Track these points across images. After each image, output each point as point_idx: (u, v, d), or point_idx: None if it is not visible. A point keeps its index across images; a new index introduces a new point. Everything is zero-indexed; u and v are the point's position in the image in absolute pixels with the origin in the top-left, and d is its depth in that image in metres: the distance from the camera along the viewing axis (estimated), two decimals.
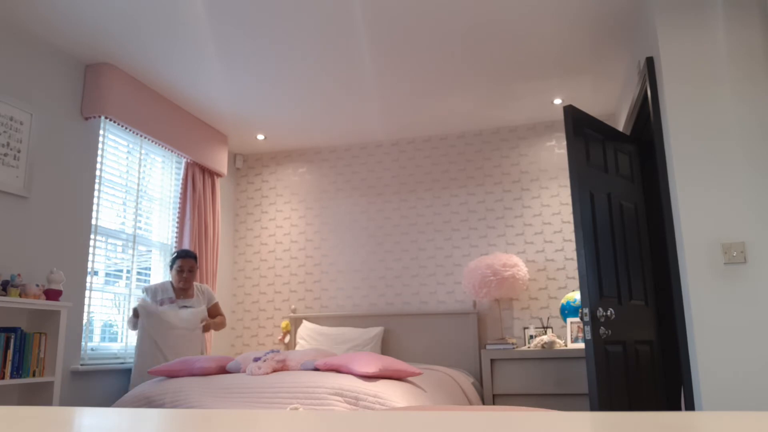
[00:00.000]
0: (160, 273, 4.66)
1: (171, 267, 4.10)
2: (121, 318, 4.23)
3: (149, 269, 4.58)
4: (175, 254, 4.12)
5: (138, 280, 4.40)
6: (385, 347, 4.95)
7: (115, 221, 4.22)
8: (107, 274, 4.18)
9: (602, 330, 3.21)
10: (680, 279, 2.92)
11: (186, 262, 4.06)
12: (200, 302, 4.15)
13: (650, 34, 3.23)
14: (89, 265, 3.88)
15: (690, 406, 2.83)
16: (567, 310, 4.38)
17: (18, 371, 3.11)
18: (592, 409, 3.18)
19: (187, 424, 0.60)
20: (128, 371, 4.14)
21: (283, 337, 5.12)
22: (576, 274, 4.72)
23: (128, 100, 4.06)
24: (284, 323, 5.12)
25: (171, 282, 4.09)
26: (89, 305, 3.88)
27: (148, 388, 3.18)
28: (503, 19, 3.49)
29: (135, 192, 4.42)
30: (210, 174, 5.01)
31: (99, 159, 4.06)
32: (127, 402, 3.17)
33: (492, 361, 4.27)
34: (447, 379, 3.74)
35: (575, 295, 4.38)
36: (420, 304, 5.04)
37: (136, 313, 3.92)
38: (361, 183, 5.41)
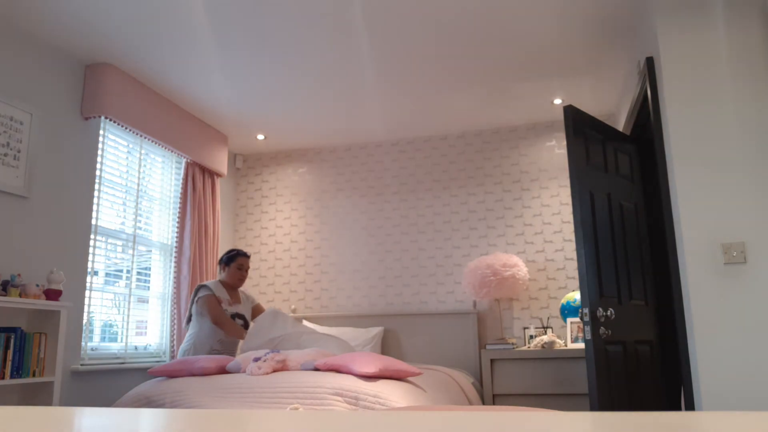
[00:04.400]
0: (160, 273, 4.66)
1: (227, 264, 4.01)
2: (121, 318, 4.23)
3: (149, 269, 4.57)
4: (234, 252, 4.05)
5: (138, 280, 4.40)
6: (385, 347, 4.95)
7: (115, 221, 4.22)
8: (107, 274, 4.18)
9: (602, 330, 3.21)
10: (680, 279, 2.92)
11: (247, 260, 4.06)
12: (247, 307, 4.13)
13: (650, 34, 3.22)
14: (89, 265, 3.88)
15: (690, 406, 2.83)
16: (567, 310, 4.38)
17: (18, 371, 3.11)
18: (592, 409, 3.18)
19: (187, 424, 0.60)
20: (128, 371, 4.14)
21: None
22: (576, 274, 4.72)
23: (128, 100, 4.06)
24: None
25: (220, 282, 4.00)
26: (89, 305, 3.88)
27: (148, 388, 3.17)
28: (503, 19, 3.49)
29: (135, 192, 4.41)
30: (210, 174, 5.01)
31: (99, 159, 4.06)
32: (127, 402, 3.17)
33: (492, 361, 4.27)
34: (447, 379, 3.74)
35: (575, 295, 4.38)
36: (420, 304, 5.04)
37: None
38: (361, 183, 5.41)
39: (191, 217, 4.70)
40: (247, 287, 5.49)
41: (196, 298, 3.91)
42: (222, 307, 3.87)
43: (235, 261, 4.03)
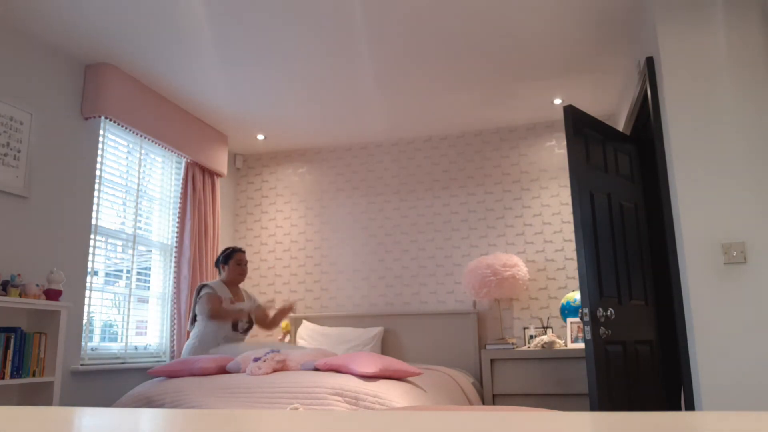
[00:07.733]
0: (160, 273, 4.66)
1: (225, 263, 4.03)
2: (121, 318, 4.23)
3: (149, 269, 4.57)
4: (230, 249, 4.07)
5: (138, 280, 4.40)
6: (385, 347, 4.95)
7: (115, 221, 4.22)
8: (107, 274, 4.18)
9: (602, 330, 3.21)
10: (680, 279, 2.92)
11: (244, 255, 4.10)
12: (251, 306, 4.09)
13: (650, 34, 3.22)
14: (89, 265, 3.88)
15: (690, 406, 2.83)
16: (567, 310, 4.38)
17: (18, 371, 3.11)
18: (592, 409, 3.18)
19: (187, 424, 0.60)
20: (128, 371, 4.14)
21: (283, 337, 5.11)
22: (576, 274, 4.72)
23: (128, 100, 4.06)
24: (284, 323, 5.12)
25: (222, 282, 4.02)
26: (89, 305, 3.88)
27: (148, 388, 3.17)
28: (503, 20, 3.49)
29: (135, 192, 4.41)
30: (210, 174, 5.01)
31: (99, 159, 4.06)
32: (127, 402, 3.17)
33: (492, 361, 4.27)
34: (447, 379, 3.74)
35: (575, 295, 4.38)
36: (420, 304, 5.04)
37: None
38: (361, 183, 5.41)
39: (191, 217, 4.70)
40: (248, 287, 5.49)
41: (198, 297, 3.94)
42: (220, 303, 3.89)
43: (233, 257, 4.06)
